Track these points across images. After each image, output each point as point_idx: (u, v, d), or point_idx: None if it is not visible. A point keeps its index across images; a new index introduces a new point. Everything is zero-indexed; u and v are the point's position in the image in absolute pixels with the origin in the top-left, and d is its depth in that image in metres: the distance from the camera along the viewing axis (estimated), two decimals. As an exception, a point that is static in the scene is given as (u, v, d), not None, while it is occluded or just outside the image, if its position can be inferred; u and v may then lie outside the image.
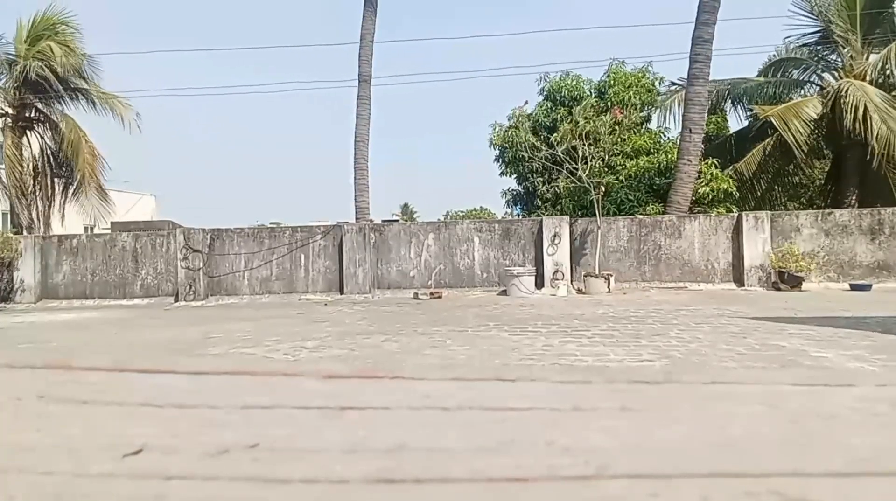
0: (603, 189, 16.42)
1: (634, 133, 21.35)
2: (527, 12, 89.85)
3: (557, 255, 14.94)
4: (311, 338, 7.74)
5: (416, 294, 14.62)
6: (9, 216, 21.73)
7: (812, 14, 19.37)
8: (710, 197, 18.21)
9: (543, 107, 23.31)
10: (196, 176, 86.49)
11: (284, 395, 4.90)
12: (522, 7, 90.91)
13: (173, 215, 49.84)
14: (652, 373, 5.04)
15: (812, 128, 18.24)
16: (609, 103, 20.62)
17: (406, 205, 60.48)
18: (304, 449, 3.29)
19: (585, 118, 16.31)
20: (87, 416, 4.29)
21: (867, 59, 18.52)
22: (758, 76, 21.26)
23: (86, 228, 27.37)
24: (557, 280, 14.64)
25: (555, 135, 17.13)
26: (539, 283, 14.62)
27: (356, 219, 18.64)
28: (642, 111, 22.73)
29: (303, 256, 15.73)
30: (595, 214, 15.09)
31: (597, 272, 14.25)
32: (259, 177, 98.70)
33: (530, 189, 23.61)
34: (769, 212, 15.53)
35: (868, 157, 16.88)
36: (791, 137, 17.76)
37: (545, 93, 23.72)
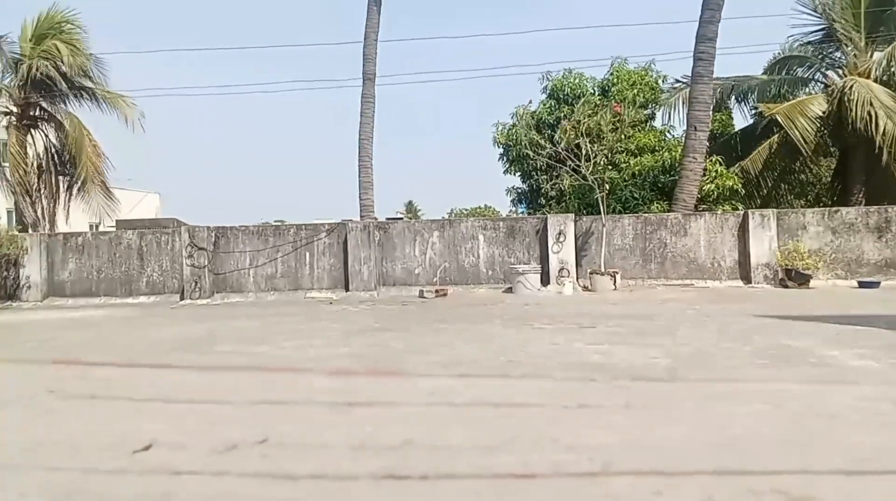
0: (607, 187, 16.40)
1: (639, 131, 21.30)
2: (528, 11, 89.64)
3: (563, 253, 14.93)
4: (317, 336, 7.77)
5: (421, 291, 14.63)
6: (14, 214, 21.85)
7: (815, 12, 19.27)
8: (716, 194, 18.16)
9: (547, 106, 23.26)
10: (200, 174, 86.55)
11: (292, 392, 4.93)
12: (524, 6, 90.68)
13: (178, 213, 49.91)
14: (657, 371, 5.06)
15: (818, 125, 18.14)
16: (613, 101, 20.56)
17: (411, 203, 60.45)
18: (311, 445, 3.32)
19: (589, 115, 16.28)
20: (95, 412, 4.33)
21: (871, 56, 18.41)
22: (763, 74, 21.16)
23: (91, 226, 27.50)
24: (563, 277, 14.63)
25: (557, 131, 17.11)
26: (544, 281, 14.62)
27: (361, 216, 18.66)
28: (646, 109, 22.67)
29: (308, 254, 15.75)
30: (600, 212, 15.07)
31: (602, 269, 14.24)
32: (263, 174, 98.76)
33: (535, 187, 23.58)
34: (775, 209, 15.45)
35: (876, 152, 16.79)
36: (797, 135, 17.68)
37: (548, 91, 23.67)
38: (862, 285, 13.68)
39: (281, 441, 3.28)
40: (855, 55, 18.31)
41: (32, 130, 19.49)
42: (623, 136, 18.26)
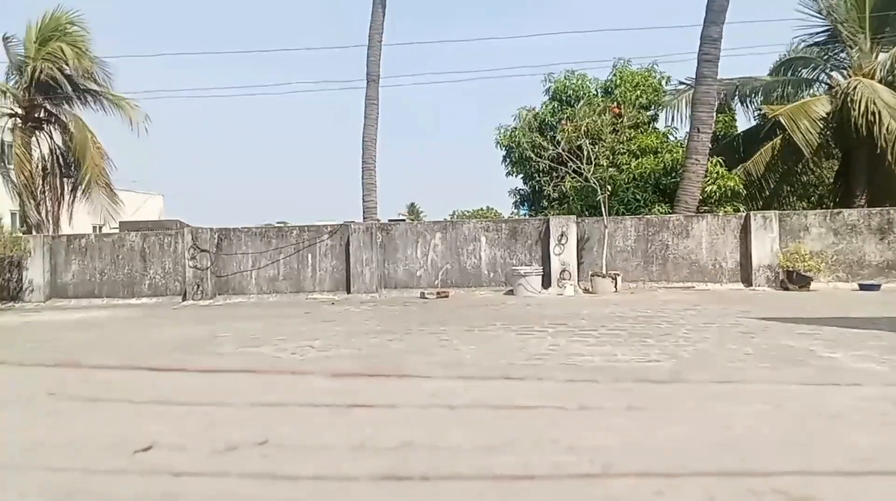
0: (609, 189, 16.39)
1: (641, 132, 21.29)
2: (530, 11, 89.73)
3: (564, 255, 14.92)
4: (319, 337, 7.78)
5: (422, 293, 14.64)
6: (17, 216, 21.88)
7: (819, 14, 19.26)
8: (718, 195, 18.14)
9: (549, 107, 23.26)
10: (203, 175, 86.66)
11: (292, 393, 4.93)
12: (526, 6, 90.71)
13: (181, 215, 49.96)
14: (658, 373, 5.05)
15: (821, 126, 18.13)
16: (616, 103, 20.56)
17: (413, 205, 60.42)
18: (312, 447, 3.32)
19: (590, 116, 16.26)
20: (96, 413, 4.34)
21: (876, 57, 18.39)
22: (769, 75, 21.12)
23: (94, 228, 27.55)
24: (564, 279, 14.62)
25: (559, 133, 17.11)
26: (546, 283, 14.61)
27: (364, 218, 18.67)
28: (649, 110, 22.66)
29: (310, 256, 15.78)
30: (602, 214, 15.07)
31: (604, 272, 14.23)
32: (266, 176, 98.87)
33: (537, 189, 23.58)
34: (777, 211, 15.44)
35: (878, 152, 16.77)
36: (800, 137, 17.67)
37: (551, 93, 23.69)
38: (863, 288, 13.66)
39: (281, 443, 3.28)
40: (860, 56, 18.29)
41: (37, 132, 19.54)
42: (624, 138, 18.25)
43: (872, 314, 8.97)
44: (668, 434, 3.29)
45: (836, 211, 15.25)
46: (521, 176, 24.11)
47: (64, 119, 19.78)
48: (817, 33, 19.59)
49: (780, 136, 18.86)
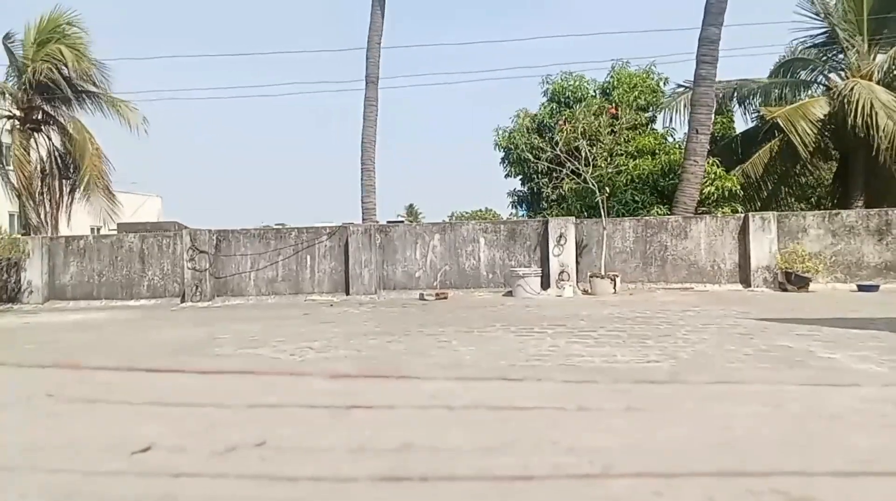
0: (608, 190, 16.41)
1: (639, 133, 21.32)
2: (529, 13, 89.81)
3: (563, 256, 14.93)
4: (318, 339, 7.77)
5: (421, 294, 14.64)
6: (16, 217, 21.87)
7: (817, 16, 19.30)
8: (716, 196, 18.17)
9: (547, 109, 23.29)
10: (202, 177, 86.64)
11: (291, 395, 4.93)
12: (525, 8, 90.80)
13: (179, 216, 49.90)
14: (658, 374, 5.05)
15: (818, 128, 18.16)
16: (614, 104, 20.60)
17: (411, 206, 60.41)
18: (311, 448, 3.32)
19: (588, 118, 16.30)
20: (95, 414, 4.33)
21: (874, 59, 18.44)
22: (769, 77, 21.14)
23: (92, 229, 27.52)
24: (563, 281, 14.63)
25: (557, 134, 17.13)
26: (545, 284, 14.61)
27: (363, 219, 18.67)
28: (647, 112, 22.69)
29: (308, 257, 15.77)
30: (601, 215, 15.08)
31: (602, 273, 14.24)
32: (265, 178, 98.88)
33: (536, 190, 23.60)
34: (776, 212, 15.45)
35: (876, 154, 16.80)
36: (798, 138, 17.69)
37: (549, 94, 23.72)
38: (861, 288, 13.68)
39: (280, 444, 3.28)
40: (858, 57, 18.32)
41: (35, 134, 19.53)
42: (622, 139, 18.28)
43: (871, 315, 8.98)
44: (668, 434, 3.29)
45: (834, 212, 15.28)
46: (520, 177, 24.13)
47: (62, 121, 19.77)
48: (816, 35, 19.64)
49: (779, 138, 18.90)
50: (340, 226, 16.09)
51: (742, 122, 22.72)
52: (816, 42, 19.85)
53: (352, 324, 9.48)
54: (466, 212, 45.75)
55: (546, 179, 22.09)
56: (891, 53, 17.81)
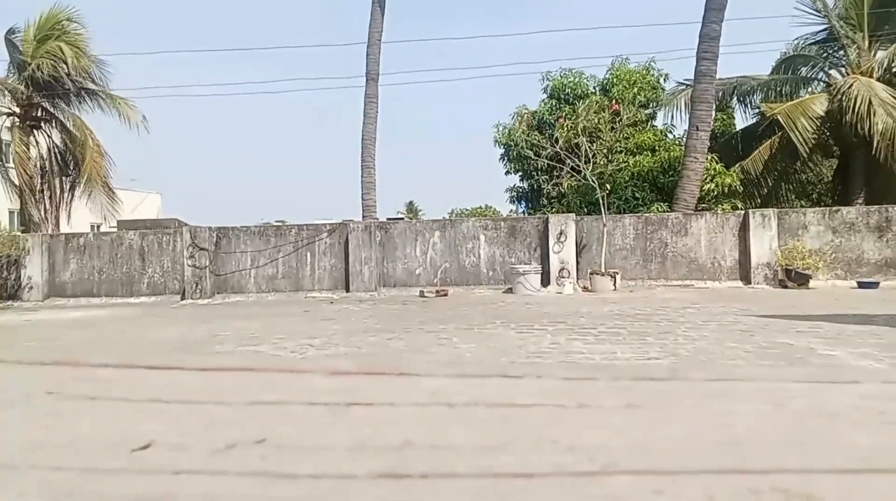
0: (608, 187, 16.39)
1: (638, 130, 21.30)
2: (529, 11, 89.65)
3: (563, 253, 14.93)
4: (318, 336, 7.77)
5: (421, 292, 14.63)
6: (16, 215, 21.86)
7: (818, 12, 19.26)
8: (716, 192, 18.16)
9: (547, 106, 23.27)
10: (201, 174, 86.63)
11: (291, 392, 4.93)
12: (525, 5, 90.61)
13: (179, 213, 49.99)
14: (658, 371, 5.05)
15: (818, 124, 18.14)
16: (613, 101, 20.58)
17: (411, 203, 60.42)
18: (311, 445, 3.31)
19: (590, 116, 16.27)
20: (95, 412, 4.33)
21: (874, 55, 18.40)
22: (771, 73, 21.09)
23: (92, 226, 27.51)
24: (563, 278, 14.62)
25: (557, 131, 17.11)
26: (545, 281, 14.61)
27: (363, 216, 18.67)
28: (647, 108, 22.67)
29: (309, 254, 15.77)
30: (601, 212, 15.08)
31: (603, 270, 14.23)
32: (265, 175, 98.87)
33: (536, 187, 23.60)
34: (776, 209, 15.45)
35: (874, 152, 16.79)
36: (797, 135, 17.67)
37: (549, 91, 23.70)
38: (861, 285, 13.68)
39: (280, 442, 3.27)
40: (858, 54, 18.28)
41: (35, 131, 19.52)
42: (622, 136, 18.25)
43: (871, 311, 8.98)
44: (668, 432, 3.29)
45: (834, 209, 15.27)
46: (520, 174, 24.11)
47: (62, 118, 19.76)
48: (817, 32, 19.62)
49: (779, 135, 18.87)
50: (340, 223, 16.09)
51: (742, 119, 22.72)
52: (817, 38, 19.82)
53: (352, 321, 9.48)
54: (467, 209, 45.80)
55: (546, 176, 22.10)
56: (891, 50, 17.77)
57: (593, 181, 14.96)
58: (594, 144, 15.34)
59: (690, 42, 17.07)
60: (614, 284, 14.00)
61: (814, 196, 21.99)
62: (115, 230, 18.26)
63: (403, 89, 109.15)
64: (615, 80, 22.72)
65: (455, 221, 16.80)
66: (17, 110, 19.09)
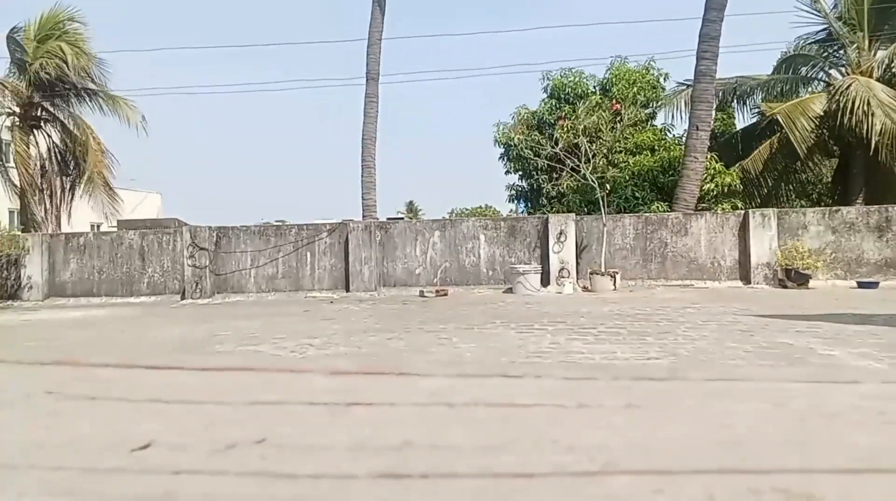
0: (608, 187, 16.39)
1: (638, 129, 21.30)
2: (529, 11, 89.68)
3: (563, 253, 14.93)
4: (318, 336, 7.77)
5: (421, 291, 14.64)
6: (16, 214, 21.84)
7: (817, 12, 19.24)
8: (715, 192, 18.16)
9: (547, 105, 23.28)
10: (201, 174, 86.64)
11: (291, 392, 4.93)
12: (525, 6, 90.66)
13: (179, 213, 49.97)
14: (658, 371, 5.05)
15: (817, 124, 18.13)
16: (614, 100, 20.58)
17: (411, 203, 60.39)
18: (311, 445, 3.31)
19: (588, 117, 16.28)
20: (95, 412, 4.33)
21: (875, 55, 18.37)
22: (772, 73, 21.08)
23: (92, 226, 27.51)
24: (563, 277, 14.62)
25: (557, 131, 17.13)
26: (545, 281, 14.61)
27: (363, 216, 18.66)
28: (647, 108, 22.67)
29: (309, 254, 15.77)
30: (601, 211, 15.08)
31: (603, 270, 14.23)
32: (265, 174, 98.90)
33: (535, 186, 23.60)
34: (776, 209, 15.44)
35: (872, 154, 16.77)
36: (796, 135, 17.66)
37: (549, 90, 23.71)
38: (861, 285, 13.68)
39: (280, 442, 3.27)
40: (858, 54, 18.26)
41: (35, 131, 19.51)
42: (622, 136, 18.25)
43: (870, 311, 8.98)
44: (668, 432, 3.29)
45: (834, 209, 15.26)
46: (520, 173, 24.12)
47: (62, 118, 19.75)
48: (817, 31, 19.61)
49: (779, 134, 18.86)
50: (340, 222, 16.09)
51: (742, 119, 22.72)
52: (818, 38, 19.80)
53: (352, 321, 9.48)
54: (467, 209, 45.81)
55: (546, 176, 22.10)
56: (891, 49, 17.75)
57: (593, 181, 14.97)
58: (594, 144, 15.33)
59: (690, 42, 17.08)
60: (614, 284, 14.00)
61: (814, 196, 21.98)
62: (115, 230, 18.26)
63: (403, 89, 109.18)
64: (615, 79, 22.72)
65: (455, 221, 16.81)
66: (17, 110, 19.09)
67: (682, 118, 20.58)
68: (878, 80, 17.54)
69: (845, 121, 16.64)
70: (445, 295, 14.36)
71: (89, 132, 19.47)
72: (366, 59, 19.47)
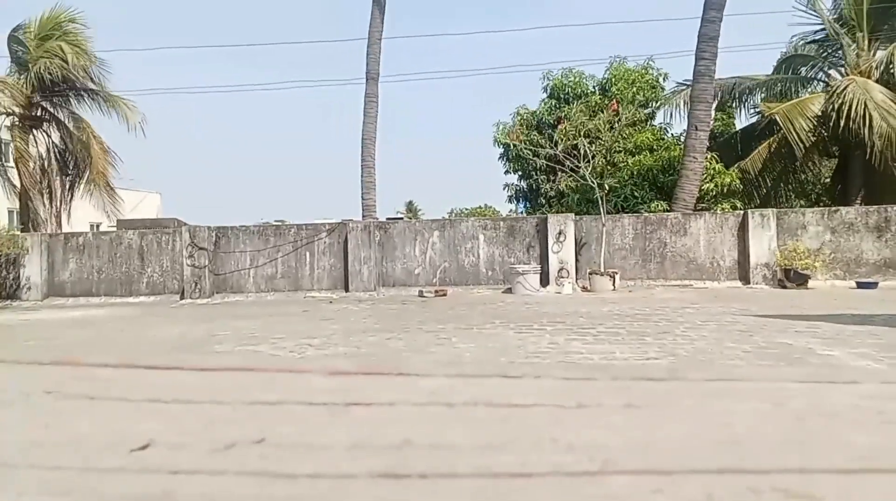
0: (607, 187, 16.39)
1: (638, 130, 21.30)
2: (529, 11, 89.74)
3: (562, 253, 14.93)
4: (317, 336, 7.77)
5: (420, 291, 14.63)
6: (16, 214, 21.83)
7: (815, 12, 19.25)
8: (714, 192, 18.16)
9: (547, 105, 23.28)
10: (201, 174, 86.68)
11: (290, 392, 4.92)
12: (524, 6, 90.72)
13: (178, 213, 49.93)
14: (657, 371, 5.05)
15: (815, 125, 18.12)
16: (613, 100, 20.59)
17: (411, 203, 60.35)
18: (310, 445, 3.31)
19: (588, 117, 16.28)
20: (94, 412, 4.32)
21: (874, 55, 18.36)
22: (772, 73, 21.08)
23: (91, 226, 27.50)
24: (562, 278, 14.62)
25: (557, 132, 17.12)
26: (544, 281, 14.61)
27: (363, 216, 18.65)
28: (646, 108, 22.67)
29: (308, 254, 15.76)
30: (600, 211, 15.08)
31: (602, 270, 14.23)
32: (264, 174, 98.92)
33: (535, 187, 23.60)
34: (775, 209, 15.44)
35: (868, 156, 16.78)
36: (794, 135, 17.65)
37: (548, 90, 23.70)
38: (860, 285, 13.69)
39: (279, 441, 3.27)
40: (857, 54, 18.25)
41: (35, 131, 19.51)
42: (620, 136, 18.24)
43: (870, 311, 8.99)
44: (667, 431, 3.28)
45: (833, 209, 15.27)
46: (519, 174, 24.12)
47: (61, 117, 19.75)
48: (816, 31, 19.62)
49: (778, 135, 18.86)
50: (340, 222, 16.08)
51: (742, 119, 22.73)
52: (817, 38, 19.82)
53: (351, 321, 9.48)
54: (466, 209, 45.79)
55: (545, 176, 22.10)
56: (890, 49, 17.74)
57: (592, 181, 14.97)
58: (593, 145, 15.34)
59: (689, 42, 17.07)
60: (613, 284, 14.00)
61: (813, 196, 21.99)
62: (115, 229, 18.26)
63: (403, 88, 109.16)
64: (614, 79, 22.73)
65: (454, 221, 16.81)
66: (17, 110, 19.07)
67: (681, 118, 20.60)
68: (877, 80, 17.53)
69: (843, 124, 16.64)
70: (445, 295, 14.35)
71: (90, 131, 19.46)
72: (366, 58, 19.47)
